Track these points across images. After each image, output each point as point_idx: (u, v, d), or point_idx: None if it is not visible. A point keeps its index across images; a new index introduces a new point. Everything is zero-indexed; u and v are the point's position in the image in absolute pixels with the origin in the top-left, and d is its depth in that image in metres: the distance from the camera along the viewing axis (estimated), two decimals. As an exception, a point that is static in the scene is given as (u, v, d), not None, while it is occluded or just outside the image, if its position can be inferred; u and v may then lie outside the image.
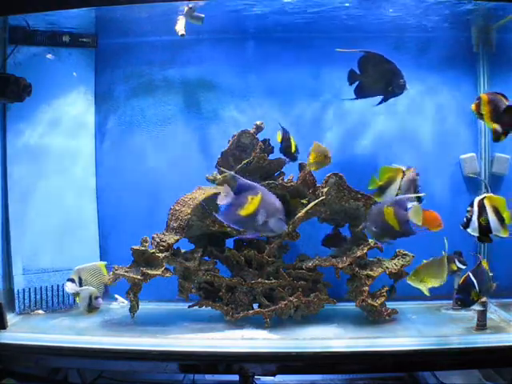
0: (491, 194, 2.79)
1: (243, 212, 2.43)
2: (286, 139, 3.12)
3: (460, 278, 3.28)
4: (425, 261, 2.96)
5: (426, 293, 2.86)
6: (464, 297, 2.74)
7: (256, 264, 3.18)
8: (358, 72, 2.97)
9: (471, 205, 2.74)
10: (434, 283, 2.89)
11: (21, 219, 3.39)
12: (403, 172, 2.91)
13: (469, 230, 2.75)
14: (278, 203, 2.47)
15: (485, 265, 2.81)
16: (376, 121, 3.61)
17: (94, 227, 3.64)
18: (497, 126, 2.77)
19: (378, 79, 2.93)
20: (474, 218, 2.71)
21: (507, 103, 2.72)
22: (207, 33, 3.51)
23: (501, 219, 2.70)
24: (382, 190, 2.94)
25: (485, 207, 2.70)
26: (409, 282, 2.92)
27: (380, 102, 3.00)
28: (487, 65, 3.55)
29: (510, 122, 2.75)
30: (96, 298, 3.09)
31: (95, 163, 3.65)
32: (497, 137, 2.79)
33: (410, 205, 2.68)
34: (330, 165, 3.04)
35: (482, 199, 2.72)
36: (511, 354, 2.72)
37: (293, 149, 3.12)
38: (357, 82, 2.99)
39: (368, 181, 2.99)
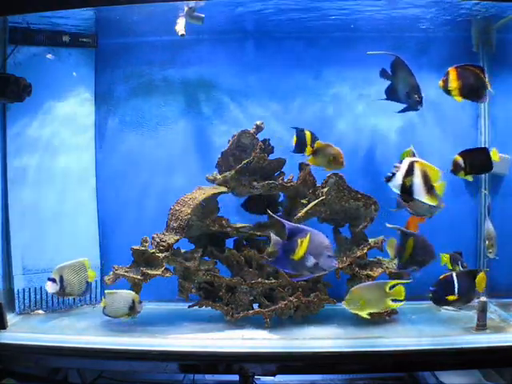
0: (425, 161, 2.65)
1: (295, 257, 2.46)
2: (300, 136, 3.07)
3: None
4: (364, 284, 2.80)
5: (365, 316, 2.69)
6: (438, 293, 2.72)
7: (256, 264, 3.18)
8: (389, 73, 2.95)
9: (400, 162, 2.63)
10: (372, 309, 2.70)
11: (21, 219, 3.39)
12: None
13: (390, 185, 2.61)
14: (325, 241, 2.51)
15: (481, 277, 2.76)
16: (376, 120, 3.60)
17: (94, 227, 3.64)
18: (459, 159, 2.76)
19: (402, 88, 2.91)
20: (399, 175, 2.57)
21: (479, 77, 2.69)
22: (207, 33, 3.51)
23: (428, 186, 2.59)
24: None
25: (413, 169, 2.58)
26: (344, 306, 2.72)
27: (400, 111, 2.95)
28: (487, 65, 3.55)
29: (474, 163, 2.73)
30: (140, 302, 3.05)
31: (95, 163, 3.65)
32: (456, 170, 2.77)
33: None
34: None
35: (413, 162, 2.60)
36: (511, 354, 2.72)
37: (308, 142, 3.05)
38: (388, 83, 2.97)
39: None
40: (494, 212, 3.55)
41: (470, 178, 2.79)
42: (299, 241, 2.44)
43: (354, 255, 3.10)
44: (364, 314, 2.63)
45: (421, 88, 2.86)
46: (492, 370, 3.10)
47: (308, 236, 2.44)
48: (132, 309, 3.03)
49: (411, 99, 2.86)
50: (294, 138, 3.08)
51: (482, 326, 2.91)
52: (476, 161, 2.75)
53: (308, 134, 3.06)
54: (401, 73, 2.90)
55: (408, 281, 2.89)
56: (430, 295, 2.76)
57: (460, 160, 2.73)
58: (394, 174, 2.58)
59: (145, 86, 3.69)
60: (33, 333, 2.97)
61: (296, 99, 3.65)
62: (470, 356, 2.71)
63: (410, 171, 2.57)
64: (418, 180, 2.58)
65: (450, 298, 2.70)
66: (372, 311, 2.62)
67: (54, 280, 3.06)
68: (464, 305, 2.86)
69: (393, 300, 2.67)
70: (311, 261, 2.44)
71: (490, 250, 3.19)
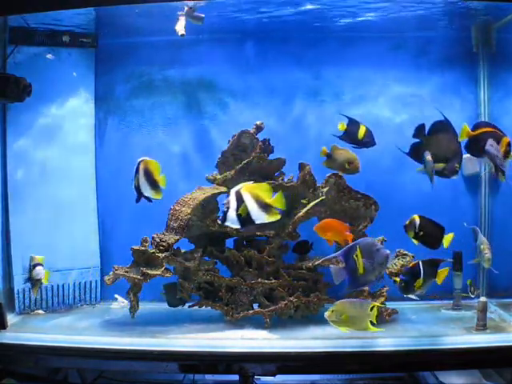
0: (250, 183, 2.66)
1: (360, 271, 2.53)
2: (353, 124, 2.99)
3: (460, 278, 3.31)
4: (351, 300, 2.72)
5: (343, 331, 2.60)
6: (408, 281, 2.72)
7: (256, 264, 3.18)
8: (425, 132, 2.76)
9: (228, 195, 2.65)
10: (352, 327, 2.59)
11: (21, 219, 3.39)
12: None
13: (227, 224, 2.61)
14: (368, 239, 2.62)
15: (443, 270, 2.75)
16: (376, 120, 3.60)
17: (95, 227, 3.64)
18: (416, 220, 2.73)
19: (438, 152, 2.71)
20: (231, 210, 2.58)
21: None
22: (207, 33, 3.51)
23: (263, 205, 2.60)
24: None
25: (242, 197, 2.58)
26: (325, 315, 2.62)
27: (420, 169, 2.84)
28: (487, 65, 3.55)
29: (427, 233, 2.72)
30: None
31: (95, 163, 3.65)
32: (408, 228, 2.74)
33: None
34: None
35: (239, 190, 2.60)
36: (511, 354, 2.72)
37: (360, 135, 2.98)
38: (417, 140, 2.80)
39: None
40: (495, 212, 3.56)
41: (415, 241, 2.76)
42: (354, 257, 2.51)
43: (354, 255, 3.09)
44: (343, 328, 2.57)
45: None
46: (492, 369, 3.10)
47: (358, 248, 2.51)
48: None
49: (449, 166, 2.70)
50: (343, 126, 2.99)
51: (482, 326, 2.90)
52: (430, 233, 2.74)
53: (363, 128, 2.98)
54: (442, 137, 2.71)
55: (384, 305, 2.97)
56: (402, 284, 2.76)
57: (416, 221, 2.72)
58: (227, 211, 2.61)
59: (145, 86, 3.69)
60: (33, 333, 2.97)
61: (296, 99, 3.65)
62: (470, 356, 2.70)
63: (239, 200, 2.60)
64: (251, 205, 2.60)
65: (418, 284, 2.69)
66: (351, 329, 2.57)
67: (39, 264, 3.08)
68: (424, 291, 2.80)
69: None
70: (371, 265, 2.52)
71: (486, 264, 3.20)
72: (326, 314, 2.60)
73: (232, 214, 2.59)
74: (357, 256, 2.51)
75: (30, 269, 3.09)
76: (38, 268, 3.06)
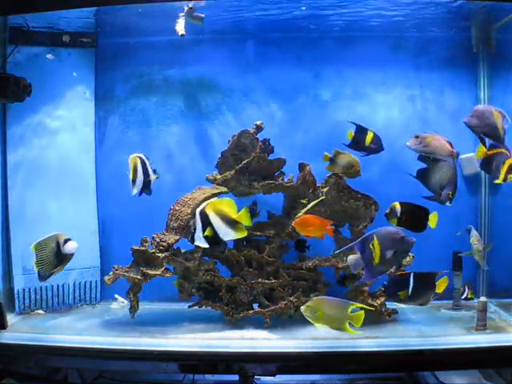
0: (214, 200, 2.75)
1: (376, 261, 2.53)
2: (360, 131, 3.01)
3: (460, 278, 3.30)
4: (330, 298, 2.69)
5: (318, 328, 2.59)
6: (392, 288, 2.71)
7: (256, 264, 3.18)
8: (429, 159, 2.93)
9: (193, 216, 2.71)
10: (328, 325, 2.56)
11: (21, 219, 3.39)
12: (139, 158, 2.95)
13: (196, 243, 2.70)
14: (389, 229, 2.61)
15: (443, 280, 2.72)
16: (377, 120, 3.60)
17: (94, 227, 3.64)
18: (397, 207, 2.75)
19: (437, 178, 2.89)
20: (198, 231, 2.66)
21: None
22: (207, 33, 3.51)
23: (229, 221, 2.66)
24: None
25: (208, 217, 2.65)
26: (302, 310, 2.62)
27: (427, 197, 2.92)
28: (487, 65, 3.55)
29: (410, 217, 2.74)
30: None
31: (95, 163, 3.65)
32: (390, 216, 2.78)
33: None
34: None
35: (203, 209, 2.66)
36: (511, 354, 2.72)
37: (367, 141, 3.01)
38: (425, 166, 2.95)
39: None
40: (495, 212, 3.56)
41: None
42: (370, 246, 2.52)
43: (354, 255, 3.09)
44: (318, 325, 2.56)
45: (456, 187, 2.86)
46: (492, 369, 3.10)
47: (375, 237, 2.52)
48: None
49: (443, 193, 2.84)
50: (351, 134, 3.02)
51: (482, 326, 2.91)
52: (413, 216, 2.75)
53: (370, 135, 3.02)
54: (445, 167, 2.87)
55: (373, 308, 2.91)
56: (382, 289, 2.77)
57: (397, 208, 2.74)
58: (194, 232, 2.66)
59: (145, 86, 3.69)
60: (33, 333, 2.98)
61: (296, 99, 3.65)
62: (470, 356, 2.71)
63: (205, 220, 2.65)
64: (217, 223, 2.65)
65: (402, 294, 2.68)
66: (326, 327, 2.56)
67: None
68: (417, 304, 2.82)
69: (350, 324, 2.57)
70: (390, 254, 2.52)
71: (481, 263, 3.21)
72: (302, 309, 2.60)
73: (199, 234, 2.65)
74: (373, 245, 2.50)
75: (59, 246, 2.89)
76: (71, 243, 2.91)
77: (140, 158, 2.95)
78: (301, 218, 2.89)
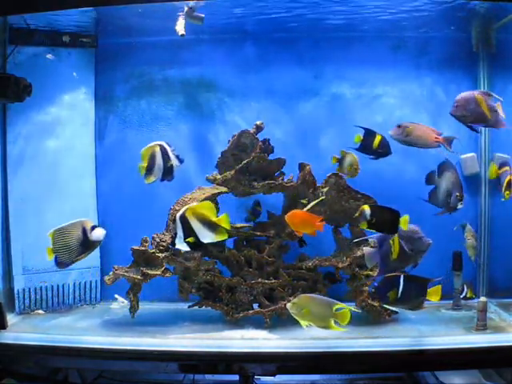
0: (194, 204, 2.80)
1: (394, 256, 2.57)
2: (369, 135, 2.99)
3: (459, 278, 3.30)
4: (316, 296, 2.73)
5: (304, 325, 2.58)
6: (382, 290, 2.67)
7: (256, 264, 3.18)
8: (436, 175, 2.95)
9: (174, 221, 2.76)
10: (313, 322, 2.57)
11: (21, 219, 3.39)
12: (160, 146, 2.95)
13: (178, 247, 2.76)
14: (413, 228, 2.63)
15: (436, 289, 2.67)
16: (377, 120, 3.60)
17: (94, 227, 3.64)
18: (366, 210, 2.69)
19: (443, 187, 2.89)
20: (179, 236, 2.72)
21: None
22: (207, 33, 3.51)
23: (209, 225, 2.72)
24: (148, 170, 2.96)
25: (187, 220, 2.69)
26: (287, 306, 2.65)
27: (439, 213, 2.92)
28: (487, 65, 3.55)
29: (381, 220, 2.68)
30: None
31: (95, 163, 3.65)
32: (359, 219, 2.74)
33: None
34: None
35: (183, 214, 2.71)
36: (511, 354, 2.72)
37: (375, 144, 2.99)
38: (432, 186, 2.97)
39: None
40: (494, 212, 3.56)
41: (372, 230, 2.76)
42: (390, 241, 2.54)
43: (354, 255, 3.10)
44: (303, 322, 2.57)
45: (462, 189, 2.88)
46: (492, 369, 3.10)
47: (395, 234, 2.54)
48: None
49: (452, 198, 2.83)
50: (359, 137, 3.01)
51: (482, 326, 2.91)
52: (383, 219, 2.70)
53: (378, 138, 3.00)
54: (448, 175, 2.89)
55: (359, 310, 2.89)
56: (373, 290, 2.76)
57: (367, 211, 2.68)
58: (175, 237, 2.72)
59: (145, 86, 3.69)
60: (33, 333, 2.97)
61: (296, 99, 3.65)
62: (470, 356, 2.71)
63: (185, 225, 2.70)
64: (197, 227, 2.71)
65: (392, 295, 2.63)
66: (311, 324, 2.56)
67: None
68: (407, 308, 2.79)
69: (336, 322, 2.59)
70: (409, 252, 2.55)
71: (472, 258, 3.23)
72: (288, 305, 2.62)
73: (180, 239, 2.71)
74: (393, 241, 2.49)
75: (85, 232, 2.84)
76: (98, 229, 2.87)
77: (160, 145, 2.94)
78: (291, 212, 2.86)
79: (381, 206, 2.79)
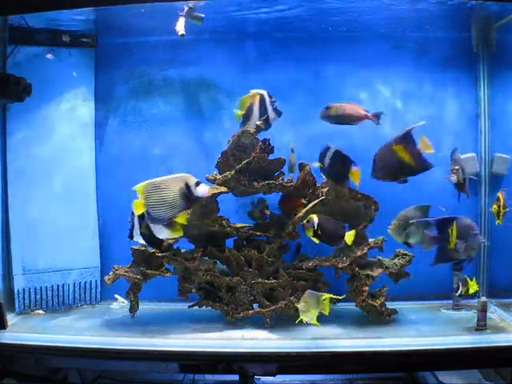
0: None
1: (451, 245, 2.65)
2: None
3: (460, 278, 3.30)
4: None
5: (301, 321, 2.71)
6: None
7: (256, 264, 3.18)
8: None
9: (132, 214, 2.80)
10: (302, 315, 2.71)
11: (21, 219, 3.39)
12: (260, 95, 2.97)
13: (135, 240, 2.84)
14: (468, 221, 2.69)
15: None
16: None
17: (94, 227, 3.64)
18: (314, 219, 2.80)
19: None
20: (135, 233, 2.81)
21: None
22: (207, 33, 3.51)
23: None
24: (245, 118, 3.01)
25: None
26: (297, 306, 2.77)
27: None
28: (487, 65, 3.55)
29: (326, 231, 2.79)
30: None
31: (95, 163, 3.65)
32: (307, 227, 2.83)
33: None
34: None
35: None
36: (511, 354, 2.72)
37: None
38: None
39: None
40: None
41: (316, 240, 2.84)
42: (449, 230, 2.61)
43: (354, 255, 3.09)
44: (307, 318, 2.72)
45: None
46: (492, 369, 3.10)
47: (454, 224, 2.60)
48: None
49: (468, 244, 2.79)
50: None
51: (482, 326, 2.91)
52: (328, 231, 2.82)
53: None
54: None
55: (341, 297, 2.87)
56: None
57: (314, 220, 2.79)
58: (132, 228, 2.83)
59: (145, 85, 3.69)
60: (33, 333, 2.98)
61: (296, 99, 3.65)
62: (470, 356, 2.71)
63: (142, 218, 2.77)
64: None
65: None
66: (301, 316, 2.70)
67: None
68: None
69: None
70: (461, 243, 2.63)
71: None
72: (298, 305, 2.75)
73: (136, 231, 2.79)
74: (451, 230, 2.56)
75: (189, 188, 2.70)
76: (203, 185, 2.73)
77: (261, 94, 2.91)
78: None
79: (328, 218, 2.87)
